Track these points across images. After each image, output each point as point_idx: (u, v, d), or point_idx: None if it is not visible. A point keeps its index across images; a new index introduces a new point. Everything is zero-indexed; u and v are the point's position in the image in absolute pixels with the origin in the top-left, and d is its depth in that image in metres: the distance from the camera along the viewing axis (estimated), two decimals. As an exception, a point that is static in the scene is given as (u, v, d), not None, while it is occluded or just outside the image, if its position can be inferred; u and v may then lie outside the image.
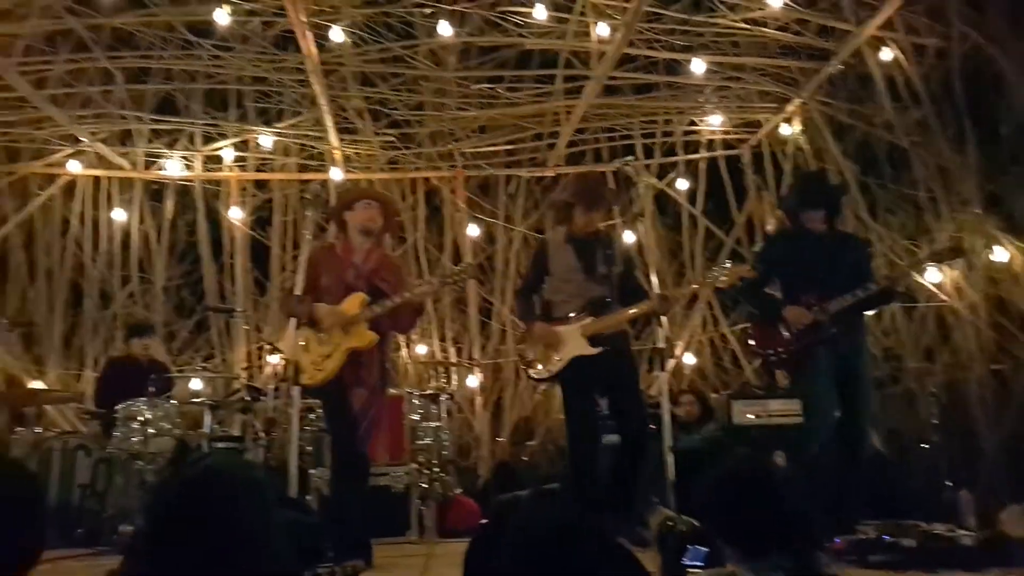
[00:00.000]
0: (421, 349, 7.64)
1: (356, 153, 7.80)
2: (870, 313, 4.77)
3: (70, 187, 7.72)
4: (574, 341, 4.10)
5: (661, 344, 3.86)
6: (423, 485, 5.48)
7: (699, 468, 4.39)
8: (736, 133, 7.77)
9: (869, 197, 6.73)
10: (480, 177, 8.00)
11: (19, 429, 5.79)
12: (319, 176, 7.90)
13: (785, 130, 7.36)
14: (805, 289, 4.15)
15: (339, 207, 4.27)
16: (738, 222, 7.84)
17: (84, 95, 7.01)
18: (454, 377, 7.33)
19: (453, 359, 7.58)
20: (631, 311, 4.08)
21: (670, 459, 3.68)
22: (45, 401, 6.67)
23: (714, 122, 7.56)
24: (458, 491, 5.97)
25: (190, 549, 1.20)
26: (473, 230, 7.83)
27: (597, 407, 4.31)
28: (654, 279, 3.93)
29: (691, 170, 7.96)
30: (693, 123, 7.72)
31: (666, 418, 3.75)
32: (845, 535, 3.47)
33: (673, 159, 7.95)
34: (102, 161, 7.64)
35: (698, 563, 2.51)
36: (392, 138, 7.58)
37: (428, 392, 6.19)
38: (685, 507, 3.46)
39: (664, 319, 3.89)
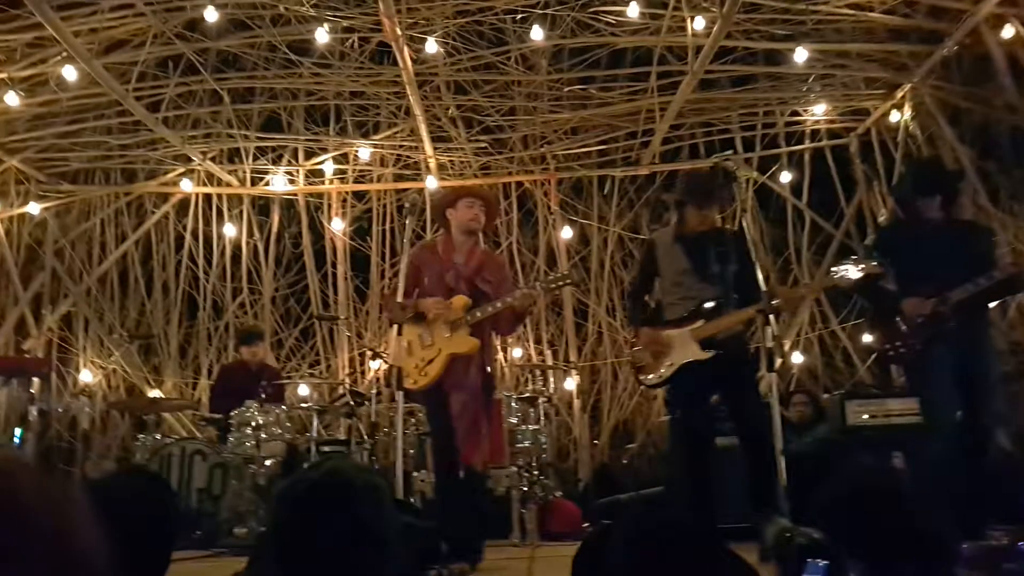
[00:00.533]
0: (517, 352, 7.66)
1: (450, 161, 7.90)
2: (994, 304, 4.45)
3: (183, 204, 8.13)
4: (685, 346, 3.93)
5: (769, 343, 3.71)
6: (523, 488, 5.48)
7: (812, 472, 4.23)
8: (842, 122, 7.46)
9: (990, 184, 6.33)
10: (573, 179, 7.96)
11: (140, 436, 6.10)
12: (415, 185, 8.05)
13: (895, 117, 7.01)
14: (922, 280, 3.88)
15: (442, 204, 4.28)
16: (847, 214, 7.52)
17: (194, 116, 7.37)
18: (551, 380, 7.31)
19: (549, 362, 7.56)
20: (746, 313, 3.89)
21: (781, 463, 3.53)
22: (164, 409, 7.01)
23: (818, 111, 7.29)
24: (558, 494, 5.93)
25: (316, 550, 1.21)
26: (567, 232, 7.80)
27: (707, 414, 4.09)
28: (759, 276, 3.80)
29: (795, 162, 7.69)
30: (796, 113, 7.46)
31: (776, 420, 3.62)
32: (973, 542, 3.25)
33: (775, 151, 7.70)
34: (212, 178, 8.01)
35: (818, 577, 2.37)
36: (485, 144, 7.64)
37: (525, 395, 6.19)
38: (799, 515, 3.34)
39: (772, 317, 3.74)
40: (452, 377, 3.96)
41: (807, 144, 7.66)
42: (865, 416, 4.96)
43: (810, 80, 6.93)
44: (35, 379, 5.67)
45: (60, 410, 7.66)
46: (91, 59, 5.69)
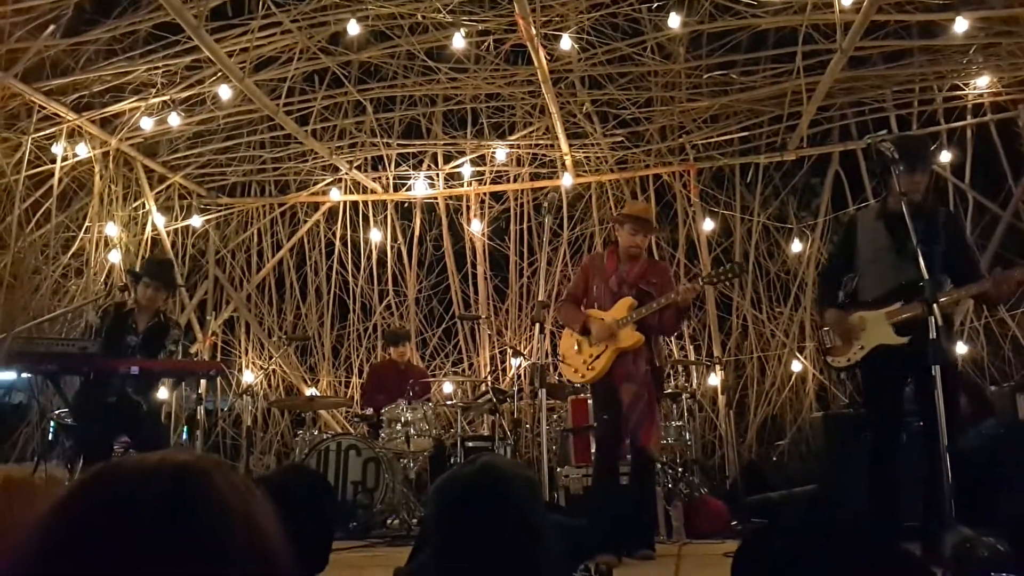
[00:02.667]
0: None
1: (586, 157, 7.87)
2: None
3: (332, 212, 8.52)
4: (878, 328, 3.70)
5: (932, 333, 3.42)
6: (668, 485, 5.39)
7: (981, 472, 3.90)
8: (1009, 94, 6.86)
9: None
10: (713, 168, 7.73)
11: (299, 432, 6.43)
12: (551, 183, 8.09)
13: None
14: None
15: (613, 222, 4.61)
16: (1016, 193, 6.91)
17: (339, 127, 7.70)
18: (694, 376, 7.13)
19: (692, 357, 7.39)
20: (953, 295, 3.60)
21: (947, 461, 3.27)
22: (320, 406, 7.37)
23: (981, 84, 6.74)
24: (704, 491, 5.79)
25: (475, 542, 1.22)
26: (708, 224, 7.60)
27: (898, 404, 3.81)
28: (921, 262, 3.52)
29: (955, 140, 7.15)
30: (956, 88, 6.92)
31: (942, 414, 3.36)
32: None
33: (934, 129, 7.17)
34: (357, 186, 8.35)
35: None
36: (621, 138, 7.55)
37: (669, 391, 6.07)
38: (965, 516, 3.10)
39: (935, 306, 3.46)
40: (622, 370, 4.22)
41: (969, 120, 7.10)
42: (1040, 410, 4.58)
43: (971, 51, 6.41)
44: (202, 380, 6.08)
45: (225, 409, 8.22)
46: (244, 77, 6.05)
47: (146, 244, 7.89)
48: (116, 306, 4.89)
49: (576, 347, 4.39)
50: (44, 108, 6.51)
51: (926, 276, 3.30)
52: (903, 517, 3.63)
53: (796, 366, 7.26)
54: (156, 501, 0.71)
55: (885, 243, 3.76)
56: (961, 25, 5.81)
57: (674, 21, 5.99)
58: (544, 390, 4.09)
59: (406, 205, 8.48)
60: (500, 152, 7.90)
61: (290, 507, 1.78)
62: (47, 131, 6.75)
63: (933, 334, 3.37)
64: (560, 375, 5.78)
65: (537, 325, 4.07)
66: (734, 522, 5.48)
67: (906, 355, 3.58)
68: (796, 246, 7.39)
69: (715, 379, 7.28)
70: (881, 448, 3.71)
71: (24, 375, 4.87)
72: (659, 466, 5.37)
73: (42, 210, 6.95)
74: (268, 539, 0.76)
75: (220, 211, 8.58)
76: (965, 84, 6.86)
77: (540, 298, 4.17)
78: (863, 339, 3.75)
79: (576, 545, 3.12)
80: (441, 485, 1.33)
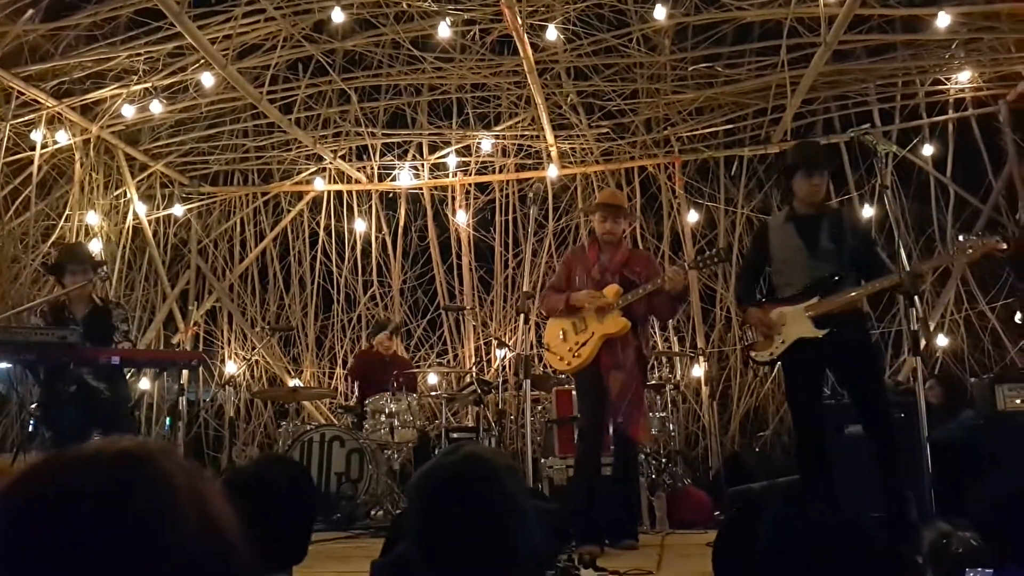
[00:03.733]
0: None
1: (571, 148, 7.86)
2: None
3: (316, 202, 8.47)
4: (797, 323, 3.84)
5: (914, 325, 3.49)
6: (652, 476, 5.42)
7: (958, 462, 3.96)
8: (990, 89, 6.92)
9: None
10: (698, 161, 7.75)
11: (282, 423, 6.40)
12: (536, 174, 8.08)
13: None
14: None
15: (585, 213, 4.56)
16: (996, 187, 6.98)
17: (323, 116, 7.65)
18: (677, 367, 7.17)
19: (676, 349, 7.42)
20: (865, 289, 3.78)
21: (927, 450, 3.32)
22: (304, 397, 7.34)
23: (963, 79, 6.80)
24: (687, 482, 5.83)
25: (462, 531, 1.22)
26: (692, 216, 7.62)
27: (822, 393, 4.06)
28: (902, 255, 3.58)
29: (937, 134, 7.20)
30: (938, 82, 6.97)
31: (921, 405, 3.42)
32: None
33: (916, 123, 7.23)
34: (342, 176, 8.31)
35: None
36: (606, 130, 7.55)
37: (652, 383, 6.09)
38: (945, 507, 3.14)
39: (916, 298, 3.52)
40: (610, 358, 4.21)
41: (951, 114, 7.16)
42: (1018, 401, 4.64)
43: (953, 46, 6.46)
44: (184, 371, 6.04)
45: (208, 400, 8.17)
46: (227, 65, 6.00)
47: (127, 233, 7.82)
48: (50, 304, 4.79)
49: (562, 335, 4.36)
50: (23, 94, 6.42)
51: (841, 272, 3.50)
52: (867, 507, 3.69)
53: (779, 357, 7.30)
54: (97, 488, 0.69)
55: (796, 243, 3.92)
56: (944, 20, 5.85)
57: (660, 13, 5.98)
58: (529, 381, 4.07)
59: (391, 195, 8.45)
60: (485, 143, 7.88)
61: (268, 497, 1.79)
62: (26, 117, 6.66)
63: (913, 324, 3.47)
64: (545, 366, 5.79)
65: (522, 316, 4.03)
66: (717, 512, 5.52)
67: (824, 346, 3.76)
68: (779, 238, 7.41)
69: (699, 370, 7.32)
70: (806, 436, 3.83)
71: (3, 365, 4.81)
72: (643, 456, 5.40)
73: (21, 198, 6.85)
74: (221, 522, 0.74)
75: (202, 200, 8.52)
76: (947, 79, 6.91)
77: (525, 289, 4.11)
78: (783, 333, 3.88)
79: (555, 529, 3.13)
80: (426, 473, 1.32)
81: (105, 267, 5.25)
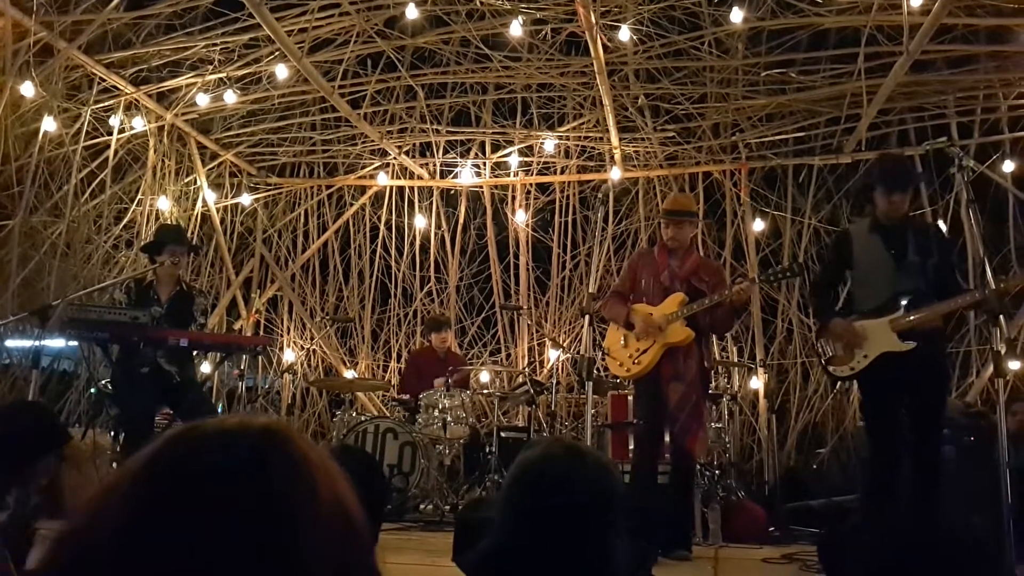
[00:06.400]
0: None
1: (635, 151, 7.79)
2: None
3: (378, 196, 8.55)
4: (881, 336, 3.71)
5: (997, 346, 3.35)
6: (705, 487, 5.32)
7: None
8: (1079, 104, 6.65)
9: None
10: (765, 168, 7.60)
11: (337, 413, 6.46)
12: (598, 176, 8.03)
13: None
14: None
15: (659, 219, 4.49)
16: (1080, 208, 6.71)
17: (390, 111, 7.71)
18: (735, 378, 7.04)
19: (734, 359, 7.29)
20: (948, 304, 3.66)
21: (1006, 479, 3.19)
22: (359, 388, 7.42)
23: (1051, 94, 6.54)
24: (741, 495, 5.71)
25: (566, 527, 1.21)
26: (757, 224, 7.48)
27: (901, 413, 3.82)
28: (988, 272, 3.46)
29: (1019, 151, 6.94)
30: (1023, 96, 6.72)
31: (1002, 430, 3.28)
32: None
33: (996, 138, 6.97)
34: (404, 172, 8.38)
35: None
36: (672, 133, 7.46)
37: (709, 393, 5.99)
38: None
39: (1001, 318, 3.38)
40: (669, 367, 4.14)
41: (1035, 130, 6.90)
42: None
43: (1041, 58, 6.22)
44: (244, 356, 6.13)
45: (265, 387, 8.31)
46: (302, 57, 6.08)
47: (196, 219, 8.00)
48: (136, 281, 4.85)
49: (622, 341, 4.32)
50: (104, 80, 6.62)
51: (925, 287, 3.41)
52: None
53: (840, 373, 7.11)
54: (238, 464, 0.69)
55: (883, 255, 3.79)
56: (1035, 30, 5.63)
57: (736, 16, 5.88)
58: (591, 383, 4.02)
59: (452, 192, 8.48)
60: (548, 143, 7.85)
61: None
62: (106, 103, 6.86)
63: (996, 346, 3.33)
64: (599, 369, 5.75)
65: (586, 317, 3.99)
66: (772, 528, 5.40)
67: (909, 363, 3.62)
68: (847, 252, 7.22)
69: (757, 382, 7.18)
70: (880, 457, 3.70)
71: (72, 343, 4.94)
72: (698, 467, 5.31)
73: (96, 181, 7.07)
74: (350, 501, 0.75)
75: (269, 190, 8.67)
76: (1032, 93, 6.67)
77: (590, 290, 4.08)
78: (866, 347, 3.74)
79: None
80: (529, 463, 1.30)
81: (203, 249, 5.32)
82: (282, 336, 8.43)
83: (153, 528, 0.65)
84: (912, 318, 3.65)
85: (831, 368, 3.90)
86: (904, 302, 3.69)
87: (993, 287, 3.41)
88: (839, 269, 4.08)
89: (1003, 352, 3.38)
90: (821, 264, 4.46)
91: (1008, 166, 6.90)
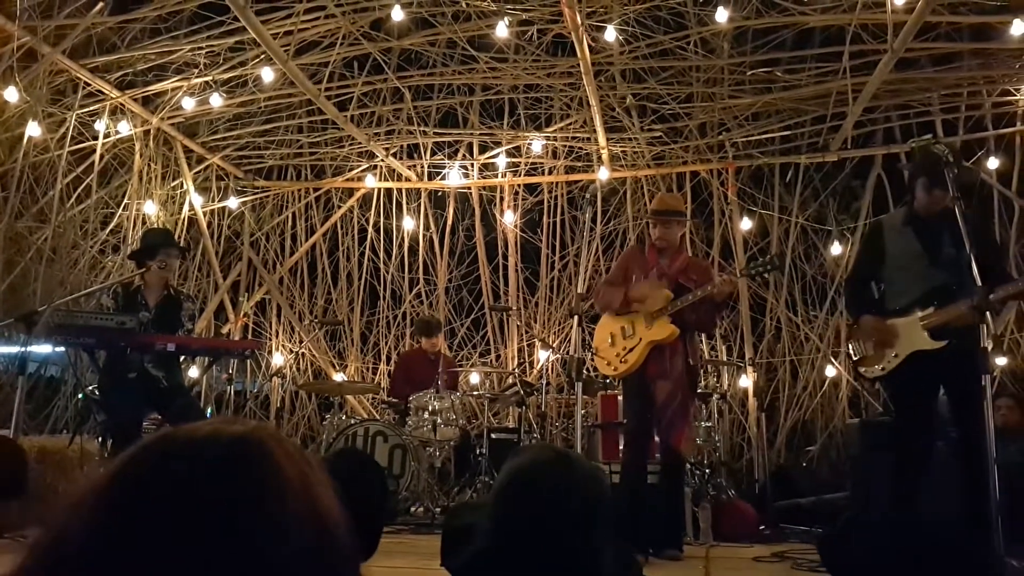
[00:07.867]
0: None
1: (622, 151, 7.80)
2: None
3: (366, 199, 8.53)
4: (912, 335, 3.62)
5: (986, 343, 3.35)
6: (696, 486, 5.34)
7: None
8: (1062, 101, 6.70)
9: None
10: (752, 167, 7.63)
11: (326, 416, 6.44)
12: (586, 177, 8.04)
13: None
14: None
15: (647, 219, 4.47)
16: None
17: (377, 113, 7.69)
18: (724, 376, 7.06)
19: (723, 358, 7.31)
20: (999, 294, 3.52)
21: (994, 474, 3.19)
22: (349, 391, 7.39)
23: (1034, 90, 6.59)
24: (731, 493, 5.72)
25: (554, 535, 1.20)
26: (744, 223, 7.50)
27: (935, 415, 3.72)
28: (974, 269, 3.45)
29: (1003, 147, 6.99)
30: (1007, 93, 6.77)
31: (990, 425, 3.29)
32: None
33: (980, 135, 7.02)
34: (392, 174, 8.36)
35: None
36: (659, 133, 7.47)
37: (698, 392, 6.00)
38: (1015, 533, 3.02)
39: (988, 315, 3.39)
40: (656, 366, 4.15)
41: (1018, 126, 6.94)
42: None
43: (1024, 55, 6.27)
44: (233, 360, 6.09)
45: (254, 391, 8.28)
46: (288, 60, 6.06)
47: (183, 223, 7.96)
48: (123, 286, 4.83)
49: (610, 340, 4.32)
50: (89, 85, 6.58)
51: (979, 282, 3.27)
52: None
53: (830, 371, 7.15)
54: (209, 473, 0.69)
55: (916, 249, 3.70)
56: (1019, 27, 5.66)
57: (721, 16, 5.90)
58: (580, 383, 4.03)
59: (440, 194, 8.47)
60: (536, 144, 7.85)
61: (342, 491, 1.78)
62: (91, 107, 6.82)
63: (984, 342, 3.33)
64: (588, 370, 5.75)
65: (575, 317, 3.99)
66: (762, 526, 5.42)
67: (941, 361, 3.53)
68: (835, 249, 7.27)
69: (746, 381, 7.20)
70: (910, 458, 3.63)
71: (59, 348, 4.90)
72: (687, 466, 5.32)
73: (82, 186, 7.03)
74: (326, 509, 0.74)
75: (256, 194, 8.63)
76: (1016, 89, 6.71)
77: (578, 291, 4.08)
78: (897, 347, 3.66)
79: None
80: (519, 469, 1.30)
81: (190, 253, 5.29)
82: (271, 340, 8.39)
83: (118, 537, 0.65)
84: (942, 315, 3.54)
85: (861, 369, 3.81)
86: (935, 298, 3.60)
87: (980, 284, 3.41)
88: (871, 262, 3.94)
89: (990, 348, 3.38)
90: (855, 260, 4.36)
91: (992, 163, 6.95)
